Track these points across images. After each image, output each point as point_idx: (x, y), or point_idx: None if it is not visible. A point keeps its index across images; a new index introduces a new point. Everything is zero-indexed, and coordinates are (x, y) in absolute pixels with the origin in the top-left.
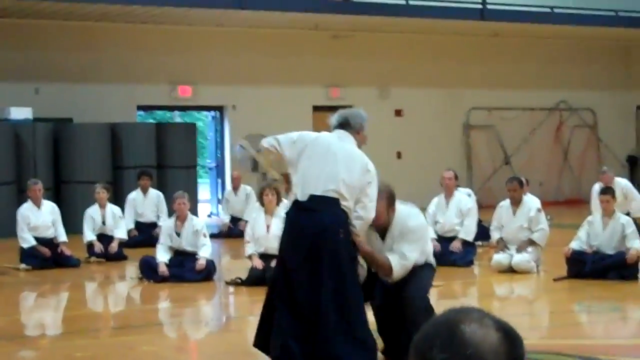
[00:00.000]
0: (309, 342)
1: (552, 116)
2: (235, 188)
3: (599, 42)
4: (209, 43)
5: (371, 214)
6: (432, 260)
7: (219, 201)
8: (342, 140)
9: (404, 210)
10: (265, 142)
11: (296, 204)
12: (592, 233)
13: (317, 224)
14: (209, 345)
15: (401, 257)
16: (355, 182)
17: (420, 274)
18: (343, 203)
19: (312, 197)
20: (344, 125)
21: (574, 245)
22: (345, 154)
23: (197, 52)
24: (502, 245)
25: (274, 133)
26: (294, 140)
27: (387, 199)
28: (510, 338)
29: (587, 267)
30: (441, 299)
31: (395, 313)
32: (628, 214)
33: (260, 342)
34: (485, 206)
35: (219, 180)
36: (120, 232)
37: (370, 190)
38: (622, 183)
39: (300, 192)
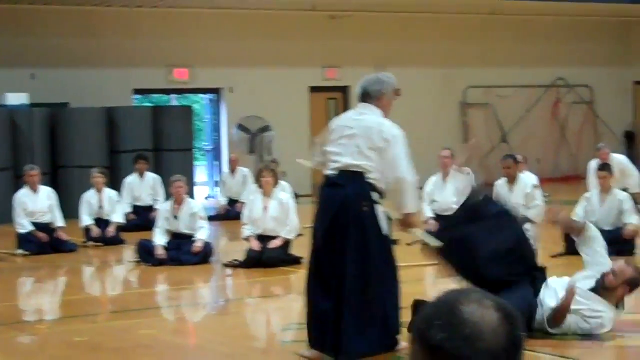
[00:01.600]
0: (335, 314)
1: (549, 93)
2: (233, 170)
3: (595, 19)
4: (205, 26)
5: (409, 175)
6: None
7: (216, 184)
8: (362, 115)
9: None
10: (315, 163)
11: (325, 179)
12: (590, 209)
13: (340, 197)
14: (207, 328)
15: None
16: (377, 152)
17: None
18: (368, 176)
19: (338, 172)
20: (364, 96)
21: None
22: (362, 127)
23: (193, 35)
24: None
25: (271, 115)
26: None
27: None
28: (509, 319)
29: None
30: (440, 278)
31: None
32: (625, 190)
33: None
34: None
35: (217, 163)
36: (118, 217)
37: (394, 153)
38: (619, 159)
39: (332, 167)
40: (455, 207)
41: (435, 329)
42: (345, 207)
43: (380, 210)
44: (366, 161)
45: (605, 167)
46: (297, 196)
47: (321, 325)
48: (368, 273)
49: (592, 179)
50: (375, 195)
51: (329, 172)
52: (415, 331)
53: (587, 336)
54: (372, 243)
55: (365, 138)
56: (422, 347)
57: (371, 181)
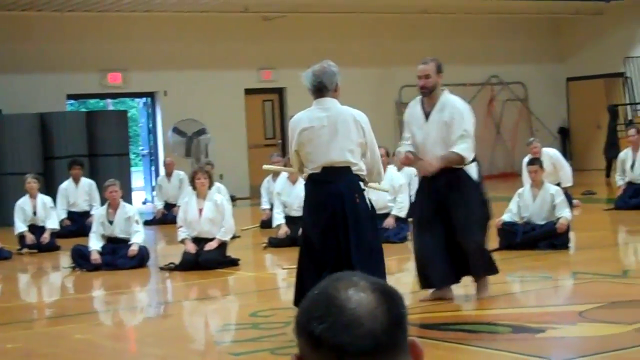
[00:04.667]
0: None
1: (483, 91)
2: (169, 174)
3: (527, 16)
4: (138, 29)
5: (377, 155)
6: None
7: (153, 188)
8: (328, 110)
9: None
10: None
11: (312, 177)
12: (523, 204)
13: (333, 194)
14: (144, 331)
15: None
16: (358, 144)
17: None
18: (354, 168)
19: (325, 169)
20: (322, 90)
21: (505, 217)
22: (338, 122)
23: (126, 38)
24: None
25: (206, 117)
26: (294, 138)
27: (436, 63)
28: (387, 297)
29: (518, 238)
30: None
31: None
32: (559, 184)
33: (299, 301)
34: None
35: (153, 167)
36: (52, 223)
37: (369, 139)
38: (550, 153)
39: (314, 166)
40: (391, 205)
41: (315, 321)
42: (341, 203)
43: (366, 196)
44: (350, 156)
45: (535, 162)
46: (234, 199)
47: None
48: (365, 251)
49: (525, 175)
50: (362, 184)
51: (309, 171)
52: (296, 325)
53: (518, 328)
54: (367, 230)
55: (344, 133)
56: (305, 340)
57: (357, 172)
